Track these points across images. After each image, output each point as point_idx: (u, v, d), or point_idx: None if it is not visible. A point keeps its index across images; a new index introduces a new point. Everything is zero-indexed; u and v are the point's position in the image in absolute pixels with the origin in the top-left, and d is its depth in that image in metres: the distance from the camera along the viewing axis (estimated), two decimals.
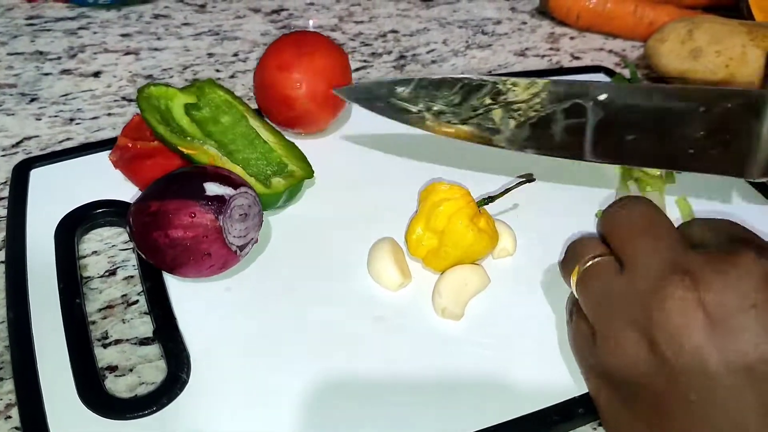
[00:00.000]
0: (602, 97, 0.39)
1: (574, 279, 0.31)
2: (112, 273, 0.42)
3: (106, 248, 0.44)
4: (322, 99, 0.49)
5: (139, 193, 0.45)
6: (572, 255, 0.31)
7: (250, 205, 0.39)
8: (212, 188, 0.37)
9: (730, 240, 0.27)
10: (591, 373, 0.30)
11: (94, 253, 0.43)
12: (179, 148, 0.43)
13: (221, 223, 0.37)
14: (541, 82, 0.40)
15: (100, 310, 0.40)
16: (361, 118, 0.56)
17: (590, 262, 0.30)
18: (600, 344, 0.28)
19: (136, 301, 0.40)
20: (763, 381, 0.23)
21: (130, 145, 0.44)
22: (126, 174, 0.45)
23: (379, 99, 0.43)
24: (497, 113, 0.40)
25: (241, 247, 0.39)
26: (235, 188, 0.38)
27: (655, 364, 0.25)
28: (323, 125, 0.52)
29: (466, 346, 0.38)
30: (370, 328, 0.38)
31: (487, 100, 0.41)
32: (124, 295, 0.41)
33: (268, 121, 0.51)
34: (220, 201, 0.37)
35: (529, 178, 0.41)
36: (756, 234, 0.29)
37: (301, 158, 0.48)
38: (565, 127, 0.40)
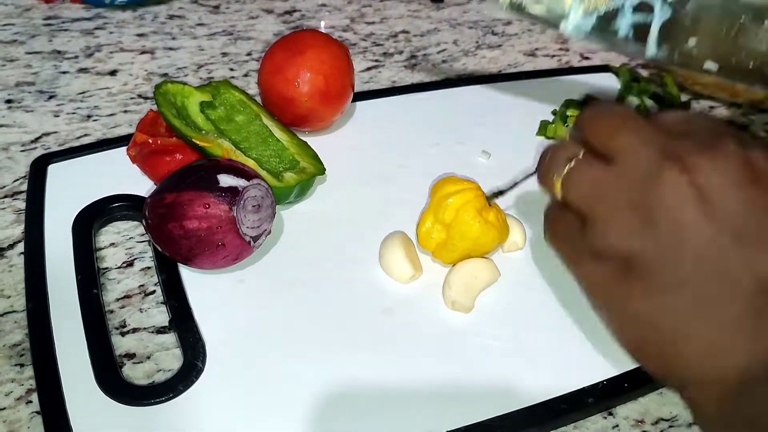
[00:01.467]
0: None
1: (558, 183, 0.31)
2: (130, 264, 0.43)
3: (124, 240, 0.44)
4: (323, 96, 0.50)
5: (155, 187, 0.46)
6: (552, 160, 0.31)
7: (263, 197, 0.40)
8: (226, 180, 0.38)
9: (707, 129, 0.29)
10: (582, 259, 0.30)
11: (112, 245, 0.44)
12: (194, 140, 0.44)
13: (235, 214, 0.38)
14: None
15: (117, 299, 0.40)
16: (365, 114, 0.57)
17: (573, 163, 0.30)
18: (594, 227, 0.29)
19: (153, 291, 0.41)
20: (751, 248, 0.26)
21: (150, 141, 0.45)
22: (143, 169, 0.46)
23: None
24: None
25: (255, 238, 0.40)
26: (248, 180, 0.39)
27: (651, 240, 0.27)
28: (329, 121, 0.53)
29: (475, 338, 0.38)
30: (381, 319, 0.39)
31: None
32: (141, 286, 0.41)
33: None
34: (234, 192, 0.38)
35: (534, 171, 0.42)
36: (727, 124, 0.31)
37: (313, 156, 0.49)
38: (631, 23, 0.41)
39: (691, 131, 0.29)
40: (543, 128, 0.56)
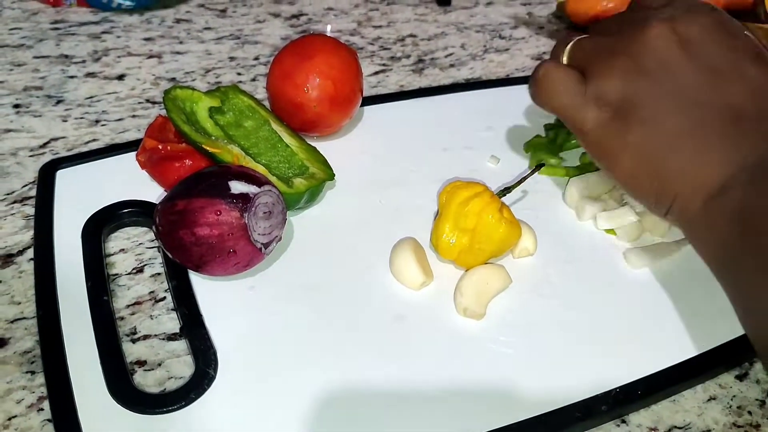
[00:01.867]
0: None
1: (565, 52, 0.38)
2: (140, 270, 0.43)
3: (134, 246, 0.44)
4: (332, 101, 0.50)
5: (164, 193, 0.46)
6: (566, 37, 0.39)
7: (274, 203, 0.40)
8: (237, 186, 0.38)
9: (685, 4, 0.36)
10: (584, 105, 0.36)
11: (122, 251, 0.44)
12: (203, 146, 0.44)
13: (246, 221, 0.38)
14: None
15: (128, 306, 0.40)
16: (374, 119, 0.57)
17: (579, 38, 0.38)
18: (595, 76, 0.35)
19: (164, 298, 0.41)
20: (725, 82, 0.33)
21: (160, 147, 0.45)
22: (153, 175, 0.46)
23: None
24: None
25: (266, 245, 0.39)
26: (260, 186, 0.39)
27: (642, 79, 0.33)
28: (337, 126, 0.53)
29: (487, 345, 0.38)
30: (392, 326, 0.39)
31: None
32: (152, 292, 0.41)
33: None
34: (245, 199, 0.38)
35: (539, 164, 0.45)
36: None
37: (322, 161, 0.48)
38: None
39: (674, 3, 0.36)
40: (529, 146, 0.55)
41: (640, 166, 0.34)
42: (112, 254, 0.44)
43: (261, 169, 0.44)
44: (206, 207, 0.37)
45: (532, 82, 0.39)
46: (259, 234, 0.39)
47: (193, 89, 0.48)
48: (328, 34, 0.73)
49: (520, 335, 0.39)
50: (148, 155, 0.45)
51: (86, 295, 0.39)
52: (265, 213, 0.39)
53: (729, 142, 0.32)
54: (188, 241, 0.37)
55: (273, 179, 0.44)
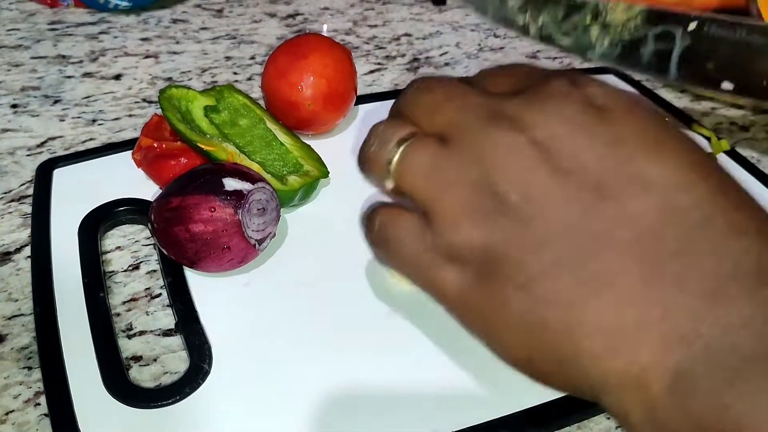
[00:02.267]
0: (691, 27, 0.41)
1: (389, 171, 0.25)
2: (136, 267, 0.43)
3: (129, 243, 0.45)
4: (326, 100, 0.50)
5: (160, 191, 0.46)
6: (382, 142, 0.25)
7: (268, 200, 0.40)
8: (231, 183, 0.38)
9: (534, 76, 0.25)
10: (435, 265, 0.24)
11: (118, 248, 0.44)
12: (198, 144, 0.44)
13: (240, 217, 0.38)
14: (637, 8, 0.42)
15: (124, 302, 0.41)
16: (368, 117, 0.57)
17: (402, 148, 0.24)
18: (440, 222, 0.23)
19: (159, 295, 0.41)
20: (618, 197, 0.21)
21: (156, 145, 0.45)
22: (148, 173, 0.46)
23: (492, 6, 0.46)
24: (594, 31, 0.42)
25: (260, 241, 0.40)
26: (253, 183, 0.39)
27: (507, 222, 0.22)
28: (332, 125, 0.53)
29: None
30: (386, 322, 0.39)
31: (588, 19, 0.44)
32: (147, 289, 0.42)
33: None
34: (239, 196, 0.38)
35: None
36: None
37: (317, 159, 0.49)
38: (654, 51, 0.42)
39: (518, 82, 0.25)
40: None
41: (536, 348, 0.22)
42: (109, 251, 0.44)
43: (255, 167, 0.45)
44: (201, 204, 0.38)
45: (368, 236, 0.28)
46: (253, 230, 0.39)
47: (189, 88, 0.49)
48: (324, 34, 0.74)
49: None
50: (144, 153, 0.46)
51: (83, 291, 0.40)
52: (259, 210, 0.39)
53: (658, 298, 0.20)
54: (183, 238, 0.38)
55: (267, 177, 0.44)
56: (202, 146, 0.44)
